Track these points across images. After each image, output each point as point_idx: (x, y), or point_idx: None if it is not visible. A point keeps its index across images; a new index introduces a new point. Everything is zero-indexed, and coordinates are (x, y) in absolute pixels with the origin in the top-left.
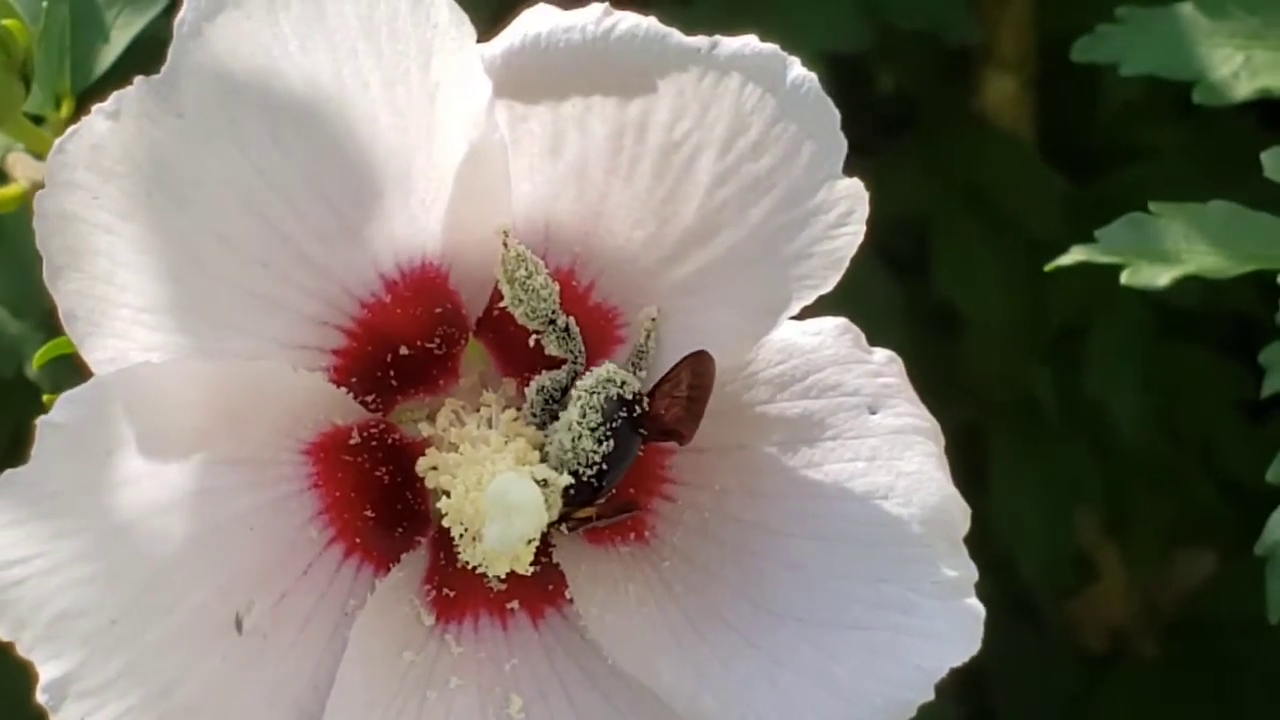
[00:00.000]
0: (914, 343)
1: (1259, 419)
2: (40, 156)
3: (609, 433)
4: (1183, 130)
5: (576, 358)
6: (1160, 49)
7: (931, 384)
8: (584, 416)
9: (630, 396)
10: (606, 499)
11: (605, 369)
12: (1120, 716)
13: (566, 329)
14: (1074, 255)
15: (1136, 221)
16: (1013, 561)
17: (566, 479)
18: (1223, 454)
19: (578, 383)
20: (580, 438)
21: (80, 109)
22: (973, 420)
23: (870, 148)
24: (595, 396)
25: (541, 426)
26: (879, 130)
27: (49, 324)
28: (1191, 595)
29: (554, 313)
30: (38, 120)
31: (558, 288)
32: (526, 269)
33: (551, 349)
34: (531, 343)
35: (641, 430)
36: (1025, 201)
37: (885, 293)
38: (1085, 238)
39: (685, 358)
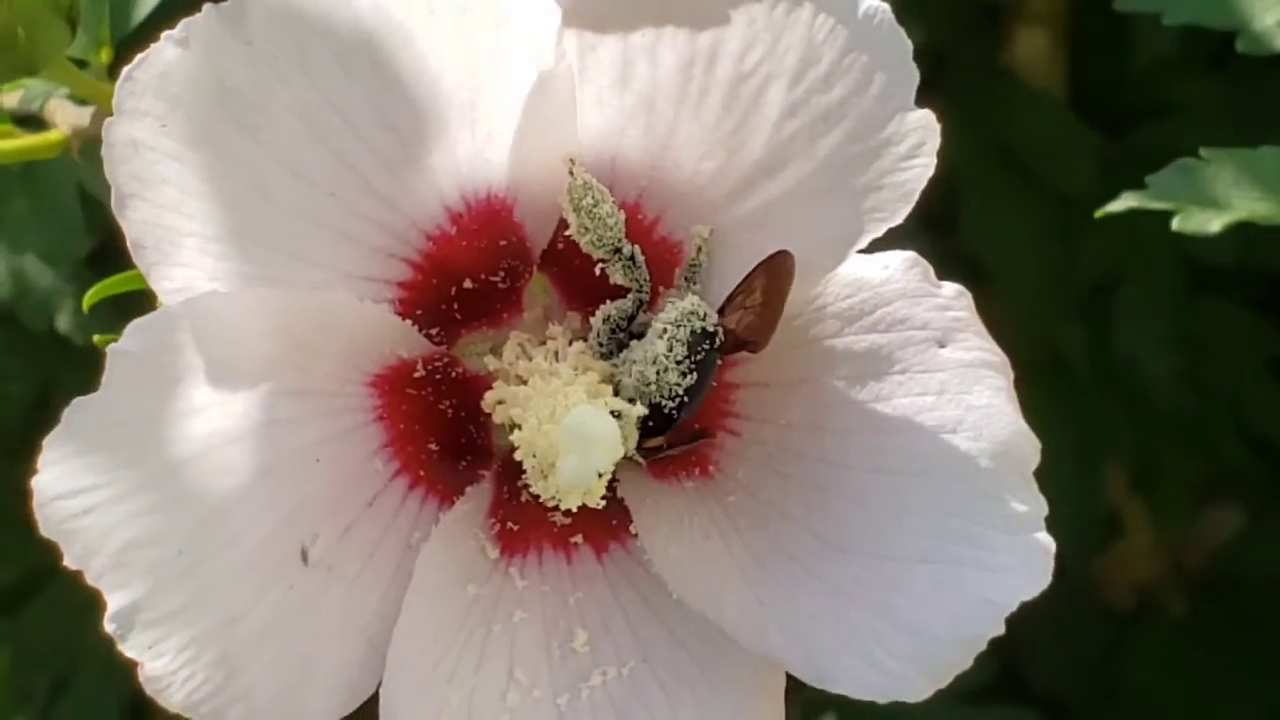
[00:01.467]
0: None
1: None
2: (82, 101)
3: (693, 365)
4: (1215, 85)
5: (641, 287)
6: None
7: None
8: (670, 350)
9: (712, 329)
10: (676, 429)
11: (689, 302)
12: (1147, 672)
13: (632, 258)
14: (1124, 202)
15: (1186, 168)
16: None
17: (640, 410)
18: (1252, 411)
19: (660, 315)
20: (665, 370)
21: (120, 56)
22: None
23: None
24: (681, 329)
25: (607, 357)
26: None
27: (81, 275)
28: (1219, 552)
29: (620, 241)
30: (80, 65)
31: (624, 216)
32: (593, 197)
33: (616, 278)
34: (596, 273)
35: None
36: (1056, 157)
37: (916, 249)
38: (1117, 193)
39: (761, 262)
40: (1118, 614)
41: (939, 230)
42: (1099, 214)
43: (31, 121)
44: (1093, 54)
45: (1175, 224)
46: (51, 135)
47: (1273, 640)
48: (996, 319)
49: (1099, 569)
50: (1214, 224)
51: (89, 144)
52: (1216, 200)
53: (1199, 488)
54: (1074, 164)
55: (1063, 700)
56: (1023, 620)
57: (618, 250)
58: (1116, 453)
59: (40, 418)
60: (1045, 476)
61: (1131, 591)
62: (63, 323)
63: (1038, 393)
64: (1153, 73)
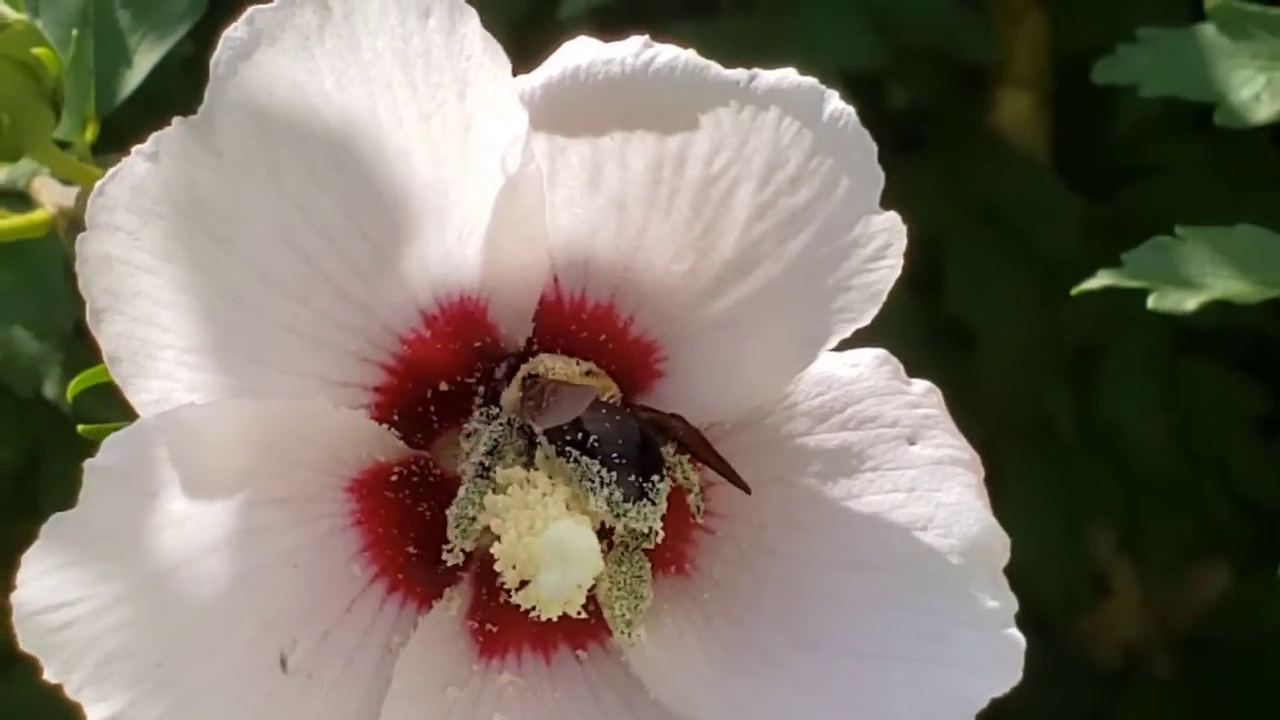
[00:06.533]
0: (929, 361)
1: (1274, 437)
2: (67, 181)
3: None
4: (1198, 147)
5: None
6: (1180, 70)
7: (947, 403)
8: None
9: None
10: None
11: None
12: None
13: None
14: (1100, 280)
15: (1161, 245)
16: (1028, 579)
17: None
18: (1237, 471)
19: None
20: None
21: (105, 133)
22: (988, 438)
23: (885, 164)
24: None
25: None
26: (893, 147)
27: (67, 345)
28: (1205, 612)
29: None
30: (64, 146)
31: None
32: None
33: None
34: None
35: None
36: (1041, 219)
37: (901, 311)
38: (1101, 256)
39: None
40: (1104, 673)
41: (925, 292)
42: (1075, 292)
43: (17, 196)
44: (1076, 116)
45: (1151, 302)
46: (37, 215)
47: (1259, 700)
48: (982, 381)
49: (1086, 629)
50: (1189, 303)
51: (74, 223)
52: (1190, 279)
53: (1186, 547)
54: (1058, 226)
55: None
56: None
57: None
58: (1104, 513)
59: (29, 482)
60: (1033, 536)
61: (1118, 651)
62: (49, 389)
63: (1024, 455)
64: (1136, 135)
